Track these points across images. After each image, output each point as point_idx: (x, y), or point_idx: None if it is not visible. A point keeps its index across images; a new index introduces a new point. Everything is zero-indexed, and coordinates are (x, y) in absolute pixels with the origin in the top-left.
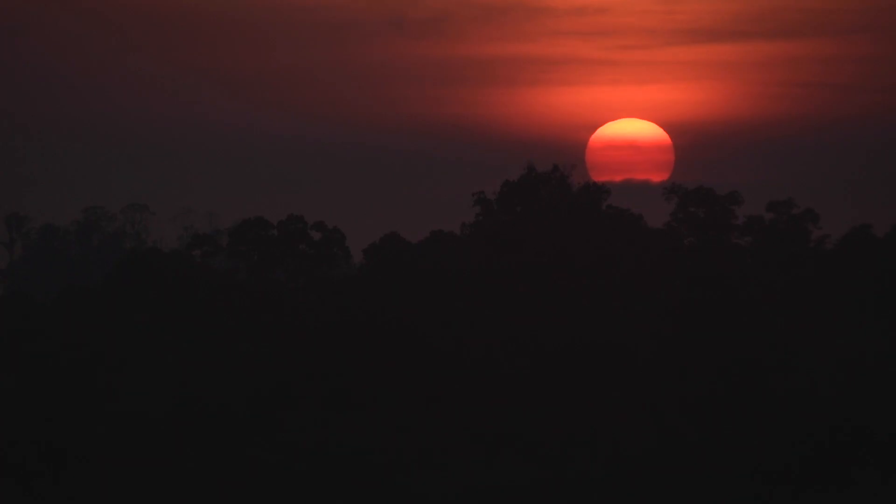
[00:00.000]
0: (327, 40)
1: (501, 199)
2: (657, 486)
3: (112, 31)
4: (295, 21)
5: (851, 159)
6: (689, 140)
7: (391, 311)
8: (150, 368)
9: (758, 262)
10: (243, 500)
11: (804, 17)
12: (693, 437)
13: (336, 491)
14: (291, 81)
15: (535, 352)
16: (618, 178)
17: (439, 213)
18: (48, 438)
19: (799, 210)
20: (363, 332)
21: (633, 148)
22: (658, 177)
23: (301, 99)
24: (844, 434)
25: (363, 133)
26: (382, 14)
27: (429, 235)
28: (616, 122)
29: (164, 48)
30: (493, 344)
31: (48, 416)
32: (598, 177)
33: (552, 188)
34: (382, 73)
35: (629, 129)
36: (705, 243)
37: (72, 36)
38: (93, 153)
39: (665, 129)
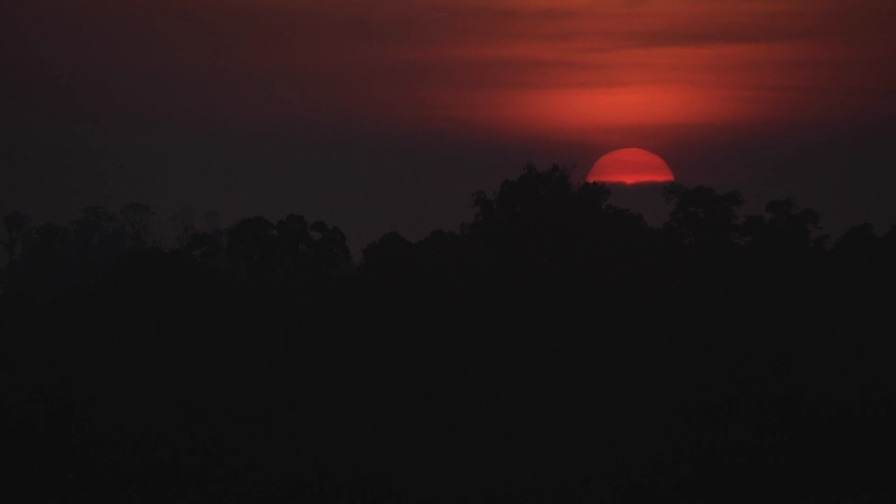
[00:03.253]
0: (326, 40)
1: (501, 199)
2: (659, 485)
3: (110, 31)
4: (296, 20)
5: (844, 161)
6: (661, 143)
7: (391, 311)
8: (149, 368)
9: (758, 262)
10: (243, 500)
11: (766, 21)
12: (692, 437)
13: (336, 491)
14: (292, 82)
15: (535, 352)
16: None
17: (439, 213)
18: (48, 439)
19: (799, 210)
20: (362, 332)
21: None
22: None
23: (302, 99)
24: (842, 432)
25: (363, 133)
26: (360, 15)
27: (429, 235)
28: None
29: (162, 49)
30: (492, 344)
31: (48, 416)
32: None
33: (552, 188)
34: (381, 74)
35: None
36: (705, 243)
37: (70, 36)
38: (93, 153)
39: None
